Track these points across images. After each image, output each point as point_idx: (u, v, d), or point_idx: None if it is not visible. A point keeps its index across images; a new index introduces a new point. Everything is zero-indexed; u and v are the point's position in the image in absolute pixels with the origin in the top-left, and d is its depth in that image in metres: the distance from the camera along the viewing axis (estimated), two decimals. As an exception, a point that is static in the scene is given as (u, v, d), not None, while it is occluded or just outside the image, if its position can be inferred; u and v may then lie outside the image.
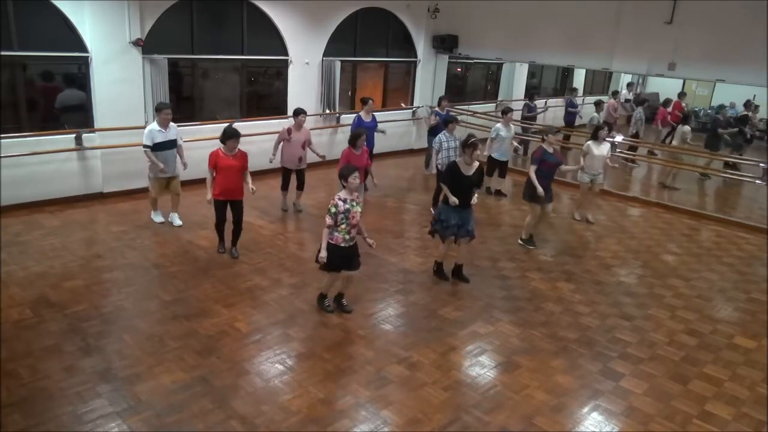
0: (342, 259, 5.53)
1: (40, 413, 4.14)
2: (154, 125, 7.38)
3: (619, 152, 12.46)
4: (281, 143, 8.44)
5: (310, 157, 8.84)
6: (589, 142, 9.03)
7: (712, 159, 11.85)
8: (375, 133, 9.83)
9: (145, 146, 7.36)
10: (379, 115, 12.21)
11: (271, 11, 10.17)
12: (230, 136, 6.65)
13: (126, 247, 7.14)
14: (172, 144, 7.50)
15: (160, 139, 7.36)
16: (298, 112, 8.41)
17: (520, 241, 8.09)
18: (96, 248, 7.09)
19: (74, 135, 8.31)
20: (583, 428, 4.42)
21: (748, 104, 14.05)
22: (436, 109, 11.23)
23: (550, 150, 7.78)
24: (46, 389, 4.40)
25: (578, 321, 6.06)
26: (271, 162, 8.64)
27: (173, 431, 4.07)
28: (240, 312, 5.76)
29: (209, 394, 4.46)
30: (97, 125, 8.53)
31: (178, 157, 7.67)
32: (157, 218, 7.98)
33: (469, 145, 6.43)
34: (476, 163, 6.49)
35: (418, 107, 13.40)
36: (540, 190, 7.53)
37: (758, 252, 8.51)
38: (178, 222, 7.92)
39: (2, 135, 7.70)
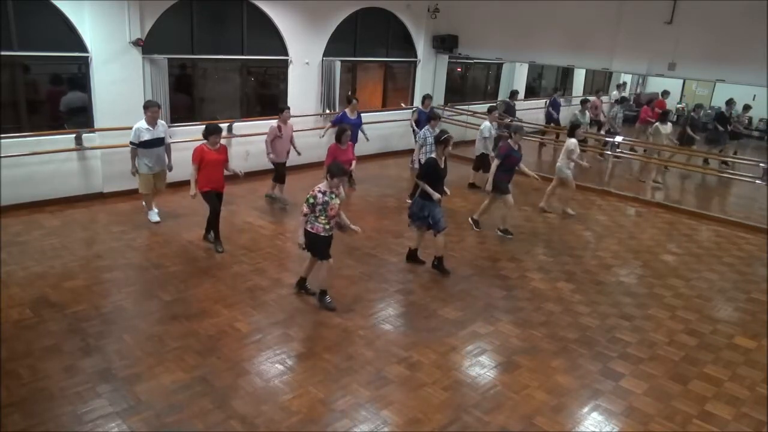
0: (327, 246, 5.76)
1: (40, 413, 4.14)
2: (141, 123, 7.45)
3: (620, 152, 12.44)
4: (273, 140, 8.68)
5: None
6: (575, 140, 9.23)
7: (690, 156, 12.39)
8: (359, 131, 10.10)
9: (131, 143, 7.46)
10: (380, 115, 12.28)
11: (271, 11, 10.17)
12: (213, 132, 6.94)
13: (126, 247, 7.14)
14: (159, 142, 7.62)
15: (147, 137, 7.44)
16: (284, 108, 8.76)
17: (498, 232, 8.38)
18: (96, 248, 7.09)
19: (74, 135, 8.31)
20: (583, 428, 4.42)
21: (729, 102, 14.23)
22: (420, 107, 11.41)
23: (516, 147, 8.13)
24: (46, 389, 4.40)
25: (578, 321, 6.06)
26: (270, 161, 8.80)
27: (173, 431, 4.07)
28: (240, 312, 5.76)
29: (209, 394, 4.46)
30: (97, 125, 8.53)
31: (165, 154, 7.82)
32: (153, 218, 7.96)
33: (442, 140, 6.68)
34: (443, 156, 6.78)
35: (418, 107, 13.38)
36: (489, 184, 8.07)
37: (758, 252, 8.51)
38: (155, 218, 7.95)
39: (2, 135, 7.69)
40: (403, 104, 13.25)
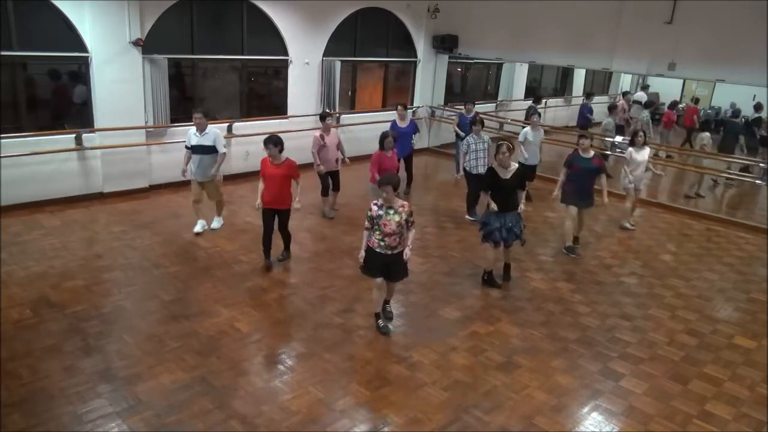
0: (377, 265, 5.33)
1: (40, 413, 4.14)
2: (192, 128, 7.35)
3: (619, 152, 12.39)
4: (319, 150, 8.32)
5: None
6: (631, 149, 8.82)
7: (730, 163, 11.64)
8: (411, 140, 9.77)
9: (186, 146, 7.40)
10: (379, 115, 12.23)
11: (271, 11, 10.17)
12: (265, 143, 6.45)
13: (126, 247, 7.14)
14: (203, 149, 7.26)
15: (194, 142, 7.27)
16: (325, 116, 8.42)
17: (563, 250, 7.87)
18: (96, 248, 7.09)
19: (74, 135, 8.31)
20: (583, 428, 4.42)
21: (758, 107, 13.85)
22: (461, 112, 11.18)
23: (586, 155, 7.67)
24: (46, 389, 4.40)
25: (578, 321, 6.06)
26: (321, 171, 8.45)
27: (173, 431, 4.07)
28: (240, 312, 5.76)
29: (209, 394, 4.47)
30: (97, 125, 8.52)
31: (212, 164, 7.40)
32: (196, 227, 7.65)
33: (496, 148, 6.48)
34: (514, 166, 6.42)
35: (418, 107, 13.41)
36: (556, 192, 7.67)
37: (758, 252, 8.51)
38: (214, 225, 7.79)
39: (2, 135, 7.69)
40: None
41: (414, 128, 9.96)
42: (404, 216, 5.20)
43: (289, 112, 10.86)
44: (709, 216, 10.03)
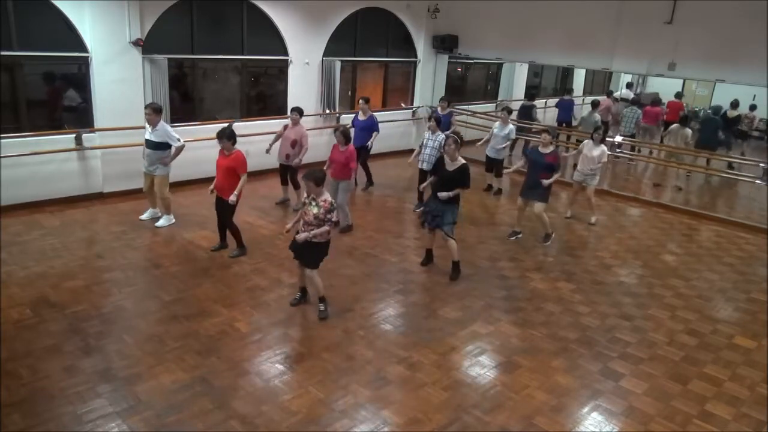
0: (294, 247, 5.73)
1: (40, 413, 4.14)
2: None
3: (619, 152, 12.42)
4: (277, 137, 8.76)
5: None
6: (585, 141, 9.14)
7: (711, 158, 11.95)
8: (363, 133, 9.78)
9: None
10: (379, 115, 12.15)
11: (271, 11, 10.17)
12: (218, 136, 6.84)
13: (126, 247, 7.14)
14: (151, 144, 7.52)
15: (146, 136, 7.61)
16: (291, 110, 8.75)
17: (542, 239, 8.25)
18: (96, 248, 7.09)
19: (74, 135, 8.31)
20: (583, 428, 4.42)
21: (735, 104, 14.12)
22: (437, 109, 11.37)
23: (543, 150, 7.83)
24: (46, 389, 4.40)
25: (578, 321, 6.06)
26: (267, 152, 8.80)
27: (173, 431, 4.07)
28: (240, 312, 5.76)
29: (209, 394, 4.47)
30: (97, 125, 8.52)
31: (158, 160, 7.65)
32: (143, 215, 8.06)
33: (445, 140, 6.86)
34: (460, 161, 6.60)
35: (418, 107, 13.40)
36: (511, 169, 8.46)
37: (758, 252, 8.51)
38: (159, 223, 7.87)
39: (2, 135, 7.69)
40: (402, 104, 13.26)
41: (370, 124, 9.87)
42: (321, 210, 5.46)
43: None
44: (709, 216, 10.03)
